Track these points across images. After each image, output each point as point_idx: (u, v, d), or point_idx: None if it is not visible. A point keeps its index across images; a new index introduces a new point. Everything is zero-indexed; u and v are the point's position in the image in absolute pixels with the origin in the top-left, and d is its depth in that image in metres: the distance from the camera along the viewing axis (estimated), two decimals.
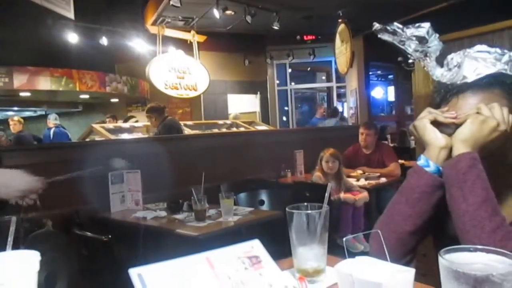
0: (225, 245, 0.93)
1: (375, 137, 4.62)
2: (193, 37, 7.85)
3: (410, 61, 1.51)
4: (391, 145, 6.83)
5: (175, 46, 7.90)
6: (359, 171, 4.47)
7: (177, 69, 7.37)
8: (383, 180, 4.21)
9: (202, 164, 3.79)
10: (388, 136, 8.07)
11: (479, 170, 0.89)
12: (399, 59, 6.72)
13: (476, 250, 0.62)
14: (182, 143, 4.57)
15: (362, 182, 4.13)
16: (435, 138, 0.97)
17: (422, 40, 1.07)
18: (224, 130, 6.75)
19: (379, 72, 12.41)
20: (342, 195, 3.79)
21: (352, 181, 4.11)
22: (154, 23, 7.57)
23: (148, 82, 7.88)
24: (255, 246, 1.00)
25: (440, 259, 0.60)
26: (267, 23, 7.15)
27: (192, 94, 7.63)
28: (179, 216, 2.74)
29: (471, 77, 0.99)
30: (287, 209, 0.98)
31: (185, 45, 8.01)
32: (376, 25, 1.10)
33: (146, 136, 5.70)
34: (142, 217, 2.85)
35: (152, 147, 3.96)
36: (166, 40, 7.78)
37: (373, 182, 4.14)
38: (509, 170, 0.99)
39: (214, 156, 4.35)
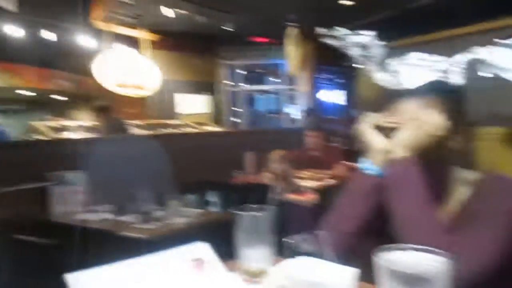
0: (173, 248, 0.92)
1: (322, 139, 4.72)
2: (143, 35, 7.68)
3: (354, 65, 1.56)
4: (340, 147, 7.01)
5: (124, 43, 7.69)
6: (308, 173, 4.55)
7: (126, 67, 7.16)
8: (331, 181, 4.31)
9: (153, 166, 3.71)
10: (337, 139, 8.27)
11: (417, 173, 0.93)
12: (345, 63, 6.91)
13: (409, 249, 0.65)
14: (130, 143, 4.45)
15: (310, 183, 4.21)
16: (375, 142, 1.01)
17: (365, 47, 1.12)
18: (174, 130, 6.65)
19: (330, 76, 12.69)
20: (290, 196, 3.84)
21: (301, 182, 4.18)
22: (102, 19, 7.33)
23: (95, 79, 7.62)
24: (201, 249, 0.99)
25: (376, 258, 0.62)
26: (220, 23, 7.14)
27: (142, 93, 7.45)
28: (126, 218, 2.67)
29: (409, 84, 1.05)
30: (233, 210, 0.99)
31: (136, 43, 7.81)
32: (320, 31, 1.14)
33: (92, 135, 5.50)
34: (86, 219, 2.75)
35: (97, 147, 3.83)
36: (115, 37, 7.55)
37: (321, 183, 4.23)
38: (445, 172, 1.04)
39: (166, 157, 4.27)
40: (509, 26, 1.18)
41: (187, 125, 6.84)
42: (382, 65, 1.15)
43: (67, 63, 9.86)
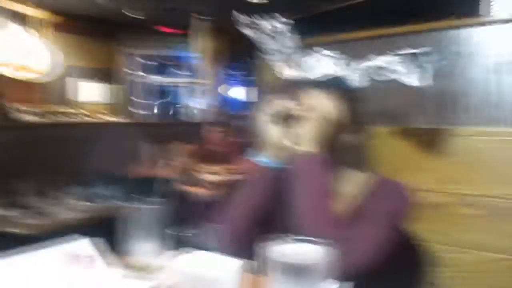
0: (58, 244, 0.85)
1: (225, 134, 4.74)
2: (37, 14, 7.00)
3: (258, 61, 1.59)
4: (242, 142, 7.10)
5: (16, 22, 6.94)
6: (209, 167, 4.53)
7: (18, 48, 6.46)
8: (231, 176, 4.34)
9: (39, 156, 3.42)
10: (241, 134, 8.38)
11: (318, 167, 0.96)
12: (252, 60, 7.05)
13: (297, 240, 0.66)
14: (18, 132, 4.05)
15: (211, 177, 4.20)
16: (273, 136, 1.02)
17: (278, 37, 1.14)
18: (69, 119, 6.18)
19: (236, 71, 12.82)
20: (189, 189, 3.80)
21: (201, 176, 4.15)
22: None
23: None
24: (84, 245, 0.92)
25: (264, 250, 0.62)
26: (124, 9, 6.78)
27: (30, 75, 6.77)
28: (8, 213, 2.42)
29: (313, 76, 1.08)
30: (123, 203, 0.93)
31: (34, 24, 7.09)
32: (240, 17, 1.13)
33: None
34: None
35: None
36: (6, 13, 6.78)
37: (222, 177, 4.24)
38: (340, 169, 1.08)
39: (55, 147, 3.96)
40: (414, 32, 1.29)
41: (83, 114, 6.40)
42: (290, 57, 1.17)
43: None
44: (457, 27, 1.27)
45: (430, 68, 1.06)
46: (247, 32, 1.16)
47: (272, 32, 1.15)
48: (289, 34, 1.15)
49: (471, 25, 1.26)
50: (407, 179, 1.25)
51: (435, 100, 1.31)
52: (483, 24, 1.24)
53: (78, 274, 0.82)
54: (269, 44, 1.16)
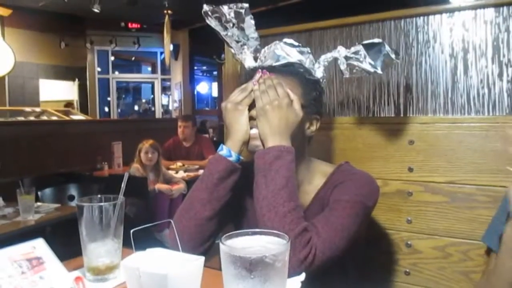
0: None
1: (193, 130, 4.69)
2: None
3: (223, 56, 1.58)
4: (212, 138, 7.07)
5: None
6: (179, 163, 4.48)
7: None
8: (201, 172, 4.30)
9: (0, 156, 3.31)
10: (210, 130, 8.35)
11: (285, 161, 0.94)
12: (215, 56, 7.03)
13: (254, 233, 0.64)
14: None
15: (181, 174, 4.15)
16: (239, 130, 1.00)
17: (240, 24, 1.13)
18: (32, 118, 5.99)
19: (204, 67, 12.74)
20: (158, 185, 3.74)
21: (172, 173, 4.10)
22: None
23: None
24: (37, 246, 0.88)
25: (220, 245, 0.60)
26: (87, 4, 6.59)
27: None
28: None
29: (274, 62, 1.07)
30: (77, 202, 0.89)
31: None
32: (205, 7, 1.12)
33: None
34: None
35: None
36: None
37: (192, 174, 4.20)
38: (302, 160, 1.07)
39: (17, 147, 3.83)
40: (374, 20, 1.30)
41: (47, 113, 6.21)
42: (252, 45, 1.16)
43: None
44: (415, 15, 1.28)
45: (391, 57, 1.06)
46: (210, 21, 1.14)
47: (234, 19, 1.13)
48: (251, 21, 1.13)
49: (428, 13, 1.27)
50: (371, 168, 1.26)
51: (396, 89, 1.32)
52: (440, 12, 1.25)
53: (35, 278, 0.78)
54: (231, 32, 1.15)
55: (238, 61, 1.25)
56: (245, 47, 1.17)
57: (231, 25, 1.14)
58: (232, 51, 1.19)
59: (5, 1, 6.91)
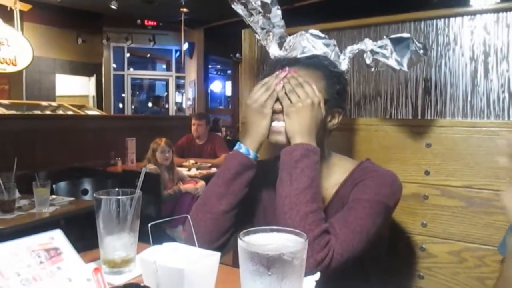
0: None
1: (206, 128, 4.71)
2: (15, 4, 6.83)
3: (238, 55, 1.57)
4: (226, 138, 7.09)
5: None
6: (191, 161, 4.50)
7: None
8: (214, 170, 4.32)
9: (17, 149, 3.36)
10: (223, 129, 8.37)
11: (311, 161, 0.93)
12: (231, 55, 7.04)
13: (272, 231, 0.64)
14: None
15: (194, 172, 4.17)
16: (259, 132, 1.00)
17: (267, 13, 1.13)
18: (48, 112, 6.06)
19: (218, 66, 12.75)
20: (182, 185, 3.76)
21: (184, 171, 4.12)
22: None
23: None
24: (55, 237, 0.89)
25: (238, 241, 0.60)
26: (105, 1, 6.67)
27: (10, 69, 6.63)
28: None
29: (299, 54, 1.07)
30: (94, 195, 0.90)
31: (5, 13, 6.93)
32: None
33: None
34: None
35: None
36: None
37: (204, 172, 4.22)
38: (323, 155, 1.05)
39: (33, 141, 3.89)
40: (396, 21, 1.29)
41: (63, 107, 6.28)
42: (279, 35, 1.16)
43: None
44: (435, 17, 1.27)
45: (418, 53, 1.05)
46: (236, 6, 1.15)
47: (260, 8, 1.13)
48: (278, 11, 1.13)
49: (448, 15, 1.25)
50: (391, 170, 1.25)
51: (415, 91, 1.30)
52: (461, 14, 1.24)
53: (53, 269, 0.79)
54: (256, 19, 1.15)
55: (263, 48, 1.23)
56: (271, 34, 1.16)
57: (257, 11, 1.14)
58: (257, 36, 1.19)
59: None
